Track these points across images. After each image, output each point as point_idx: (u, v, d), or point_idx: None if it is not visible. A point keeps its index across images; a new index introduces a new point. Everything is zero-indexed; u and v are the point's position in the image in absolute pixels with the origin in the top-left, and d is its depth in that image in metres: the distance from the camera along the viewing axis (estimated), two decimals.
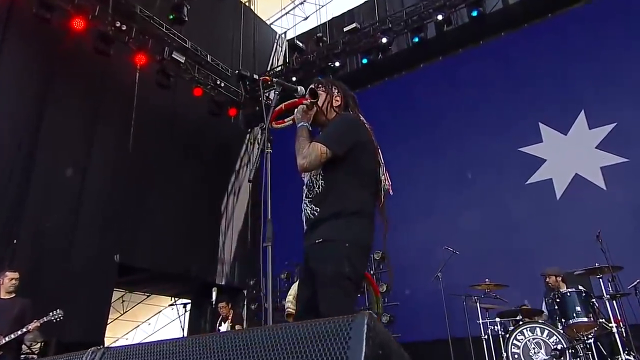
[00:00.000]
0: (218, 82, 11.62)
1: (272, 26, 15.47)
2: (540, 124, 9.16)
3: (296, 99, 2.72)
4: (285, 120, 2.76)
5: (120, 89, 10.16)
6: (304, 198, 2.64)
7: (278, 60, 14.25)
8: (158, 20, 10.22)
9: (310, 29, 13.78)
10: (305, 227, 2.59)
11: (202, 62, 11.34)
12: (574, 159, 8.66)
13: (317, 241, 2.46)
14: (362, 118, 2.75)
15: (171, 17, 10.28)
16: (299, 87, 2.73)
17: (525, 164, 9.02)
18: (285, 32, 15.26)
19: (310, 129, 2.70)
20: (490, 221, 8.94)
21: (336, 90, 2.82)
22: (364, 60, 10.90)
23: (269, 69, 13.38)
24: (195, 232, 11.24)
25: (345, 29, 11.31)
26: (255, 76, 12.26)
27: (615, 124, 8.47)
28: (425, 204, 9.81)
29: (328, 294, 2.33)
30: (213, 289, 12.22)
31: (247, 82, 12.29)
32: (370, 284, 6.23)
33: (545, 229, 8.42)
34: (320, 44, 11.80)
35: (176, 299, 13.10)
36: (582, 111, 8.81)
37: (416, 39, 10.17)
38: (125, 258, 9.44)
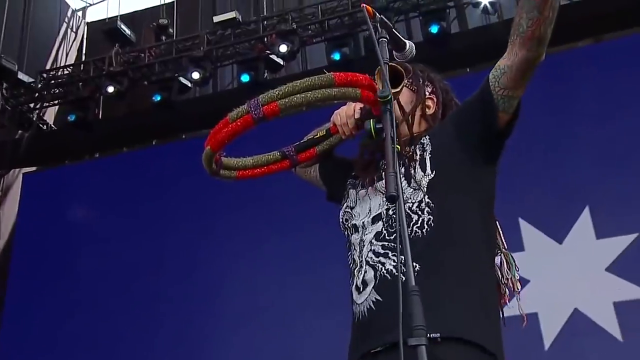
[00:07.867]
0: None
1: None
2: (520, 221, 6.08)
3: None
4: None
5: None
6: (364, 233, 1.59)
7: (68, 55, 8.89)
8: None
9: (143, 10, 8.58)
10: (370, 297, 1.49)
11: None
12: (573, 284, 5.92)
13: (437, 337, 1.30)
14: None
15: None
16: (407, 43, 1.63)
17: None
18: (85, 8, 9.46)
19: None
20: None
21: (430, 88, 1.77)
22: (244, 78, 6.77)
23: (49, 66, 8.12)
24: None
25: (215, 19, 7.01)
26: (23, 76, 6.97)
27: (637, 234, 5.73)
28: None
29: None
30: None
31: (6, 85, 7.09)
32: None
33: None
34: (164, 38, 7.28)
35: None
36: (587, 209, 5.93)
37: (336, 56, 6.32)
38: None
